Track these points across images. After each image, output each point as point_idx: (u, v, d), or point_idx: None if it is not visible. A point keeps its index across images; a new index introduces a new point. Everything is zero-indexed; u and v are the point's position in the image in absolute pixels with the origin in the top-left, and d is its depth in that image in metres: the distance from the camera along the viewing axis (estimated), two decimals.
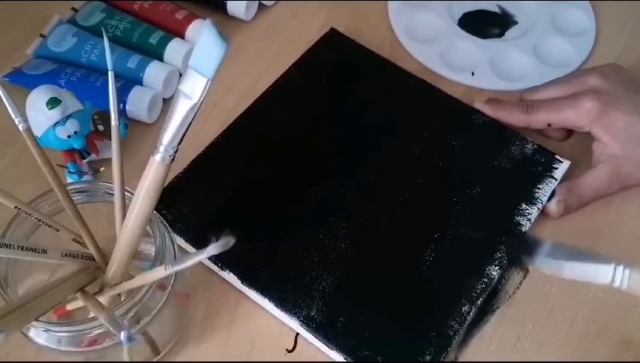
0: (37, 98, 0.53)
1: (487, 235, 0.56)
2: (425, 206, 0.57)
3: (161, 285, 0.43)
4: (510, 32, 0.73)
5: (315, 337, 0.50)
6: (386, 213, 0.57)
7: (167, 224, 0.45)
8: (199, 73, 0.36)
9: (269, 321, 0.52)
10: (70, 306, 0.46)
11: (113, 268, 0.43)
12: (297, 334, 0.52)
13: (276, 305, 0.51)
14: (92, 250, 0.45)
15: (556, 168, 0.59)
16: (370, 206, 0.57)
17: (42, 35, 0.67)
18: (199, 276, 0.54)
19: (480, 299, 0.52)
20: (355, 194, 0.58)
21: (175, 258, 0.45)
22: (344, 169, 0.59)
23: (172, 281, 0.44)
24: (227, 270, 0.53)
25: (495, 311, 0.53)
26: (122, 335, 0.37)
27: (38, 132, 0.54)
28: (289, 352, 0.51)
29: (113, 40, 0.66)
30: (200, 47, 0.36)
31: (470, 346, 0.52)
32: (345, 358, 0.49)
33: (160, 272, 0.39)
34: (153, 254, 0.43)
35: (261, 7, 0.73)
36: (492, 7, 0.75)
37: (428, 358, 0.49)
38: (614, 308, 0.54)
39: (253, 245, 0.54)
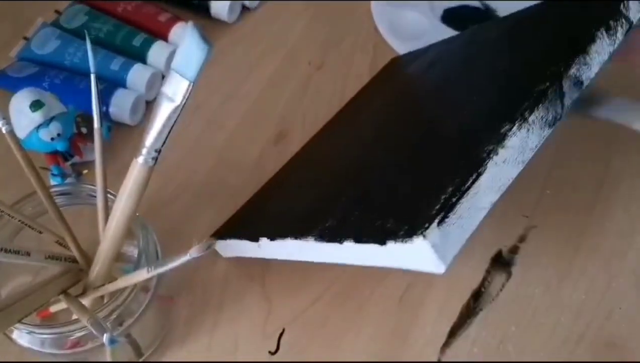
0: (20, 101, 0.53)
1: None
2: None
3: (144, 287, 0.43)
4: None
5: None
6: None
7: (149, 227, 0.45)
8: (182, 75, 0.36)
9: (252, 323, 0.52)
10: (53, 309, 0.46)
11: (96, 270, 0.43)
12: (280, 336, 0.52)
13: None
14: (75, 253, 0.45)
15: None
16: None
17: (25, 38, 0.67)
18: (182, 278, 0.54)
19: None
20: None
21: (157, 260, 0.45)
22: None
23: (154, 284, 0.44)
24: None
25: (479, 313, 0.54)
26: (105, 338, 0.37)
27: (21, 134, 0.54)
28: (272, 354, 0.51)
29: (96, 42, 0.66)
30: (183, 49, 0.36)
31: (453, 347, 0.52)
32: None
33: (142, 274, 0.39)
34: (136, 256, 0.43)
35: (244, 9, 0.73)
36: (475, 3, 0.75)
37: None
38: (597, 310, 0.54)
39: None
